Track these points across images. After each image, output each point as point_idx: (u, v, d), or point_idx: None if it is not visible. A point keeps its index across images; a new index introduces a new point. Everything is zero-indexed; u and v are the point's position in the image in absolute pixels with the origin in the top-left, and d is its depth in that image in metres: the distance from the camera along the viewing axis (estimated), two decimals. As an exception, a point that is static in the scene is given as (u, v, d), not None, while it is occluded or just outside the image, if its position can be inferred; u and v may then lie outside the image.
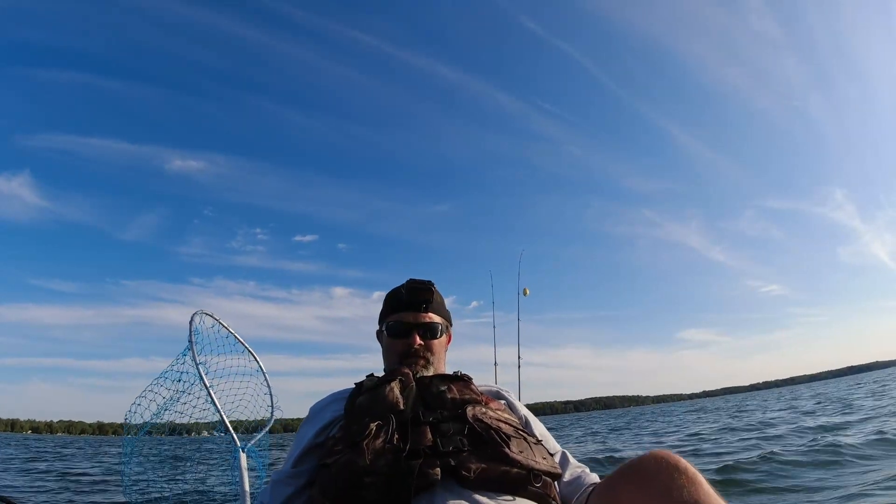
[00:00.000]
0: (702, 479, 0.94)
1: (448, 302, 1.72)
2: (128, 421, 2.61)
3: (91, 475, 9.68)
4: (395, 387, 1.35)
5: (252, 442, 2.63)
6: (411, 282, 1.60)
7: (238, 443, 2.54)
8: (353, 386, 1.49)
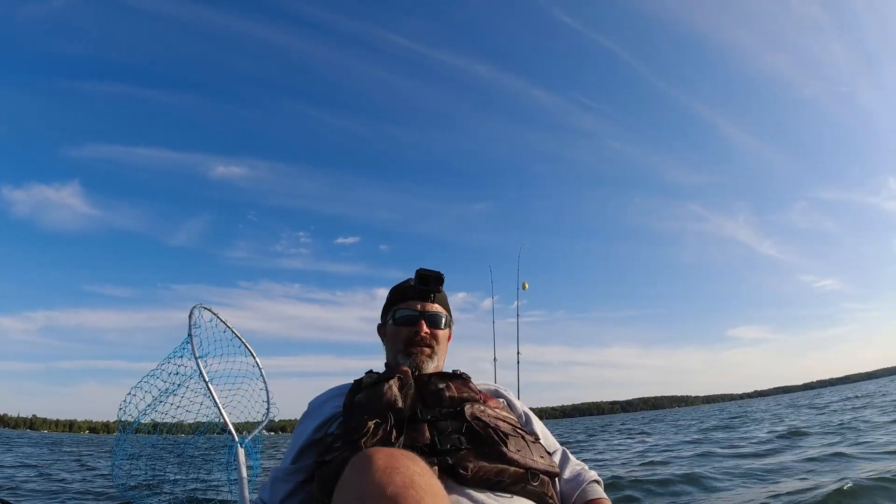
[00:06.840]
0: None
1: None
2: (122, 410, 2.63)
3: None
4: (394, 384, 1.34)
5: (249, 437, 2.64)
6: (422, 270, 1.58)
7: (236, 437, 2.54)
8: (353, 382, 1.48)
